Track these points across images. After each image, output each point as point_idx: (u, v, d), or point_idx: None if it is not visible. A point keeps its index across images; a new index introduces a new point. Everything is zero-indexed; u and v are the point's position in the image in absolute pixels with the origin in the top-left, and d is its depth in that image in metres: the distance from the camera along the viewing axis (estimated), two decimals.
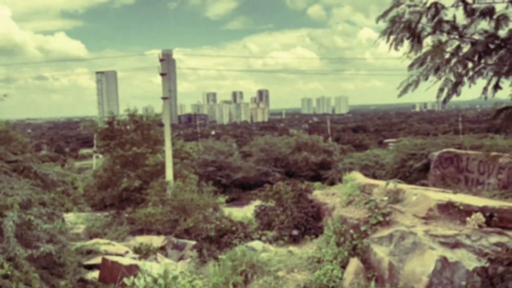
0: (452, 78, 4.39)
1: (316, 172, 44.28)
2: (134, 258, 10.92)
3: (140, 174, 24.98)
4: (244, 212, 26.64)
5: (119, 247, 12.32)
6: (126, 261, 9.24)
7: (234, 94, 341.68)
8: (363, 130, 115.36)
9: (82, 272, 8.90)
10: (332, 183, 34.09)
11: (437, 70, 4.38)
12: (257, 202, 14.01)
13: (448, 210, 8.50)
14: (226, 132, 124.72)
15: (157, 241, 16.04)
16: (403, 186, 9.88)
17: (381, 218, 8.58)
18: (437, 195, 9.09)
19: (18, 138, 11.17)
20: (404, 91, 4.78)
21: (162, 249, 14.54)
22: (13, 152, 9.88)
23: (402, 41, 4.62)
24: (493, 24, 4.22)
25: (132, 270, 8.37)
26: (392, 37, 4.68)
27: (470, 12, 4.31)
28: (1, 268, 5.75)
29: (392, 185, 9.49)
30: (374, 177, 28.21)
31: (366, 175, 26.99)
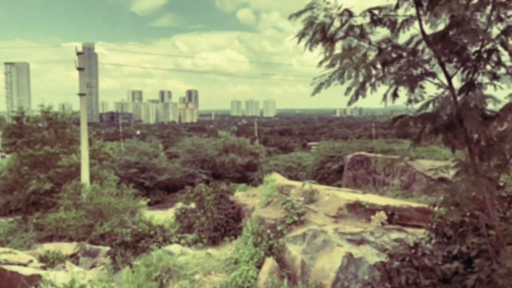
0: (361, 79, 4.68)
1: (242, 174, 44.76)
2: (39, 268, 10.00)
3: (52, 175, 23.07)
4: (167, 215, 25.93)
5: (21, 255, 11.18)
6: (27, 271, 8.43)
7: (162, 93, 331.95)
8: (288, 133, 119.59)
9: None
10: (256, 185, 34.76)
11: (343, 73, 4.64)
12: (181, 205, 13.75)
13: (356, 209, 9.14)
14: (152, 132, 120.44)
15: (68, 248, 14.91)
16: (318, 187, 10.42)
17: (296, 218, 8.93)
18: (347, 195, 9.73)
19: None
20: (317, 89, 4.99)
21: (74, 256, 13.54)
22: None
23: (316, 42, 4.81)
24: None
25: (34, 280, 7.67)
26: (307, 38, 4.86)
27: (376, 22, 4.63)
28: None
29: (307, 186, 9.95)
30: (297, 178, 29.42)
31: (289, 176, 28.09)
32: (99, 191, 20.01)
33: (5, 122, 26.75)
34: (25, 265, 10.40)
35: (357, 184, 13.77)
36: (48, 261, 11.21)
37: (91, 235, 17.72)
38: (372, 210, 9.01)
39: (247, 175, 44.12)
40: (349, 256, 7.39)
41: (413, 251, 5.94)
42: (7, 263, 10.27)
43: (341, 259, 7.28)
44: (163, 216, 24.28)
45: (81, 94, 23.47)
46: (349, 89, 4.79)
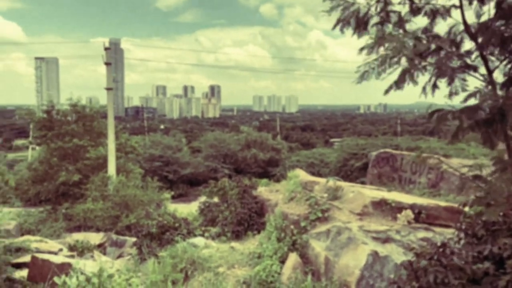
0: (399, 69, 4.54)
1: (264, 169, 44.83)
2: (68, 256, 10.37)
3: (80, 167, 23.78)
4: (190, 209, 26.31)
5: (52, 244, 11.62)
6: (58, 259, 8.74)
7: (185, 88, 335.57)
8: (310, 129, 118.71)
9: (9, 271, 8.28)
10: (278, 180, 34.75)
11: (385, 60, 4.51)
12: (204, 199, 13.93)
13: (381, 207, 9.00)
14: (175, 127, 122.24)
15: (95, 238, 15.36)
16: (342, 183, 10.31)
17: (320, 214, 8.89)
18: (372, 193, 9.59)
19: None
20: (362, 77, 4.89)
21: (101, 246, 13.95)
22: None
23: (349, 23, 4.73)
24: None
25: (64, 268, 7.94)
26: (342, 26, 4.79)
27: (415, 11, 4.52)
28: None
29: (332, 182, 9.86)
30: (319, 174, 29.20)
31: (311, 172, 27.93)
32: (125, 183, 20.48)
33: (36, 115, 27.77)
34: (55, 253, 10.81)
35: (382, 182, 13.54)
36: (77, 250, 11.60)
37: (117, 226, 18.18)
38: (398, 208, 8.85)
39: (269, 170, 44.15)
40: (375, 254, 7.30)
41: (441, 250, 5.83)
42: (39, 251, 10.70)
43: (366, 257, 7.20)
44: (186, 210, 24.68)
45: (108, 89, 24.04)
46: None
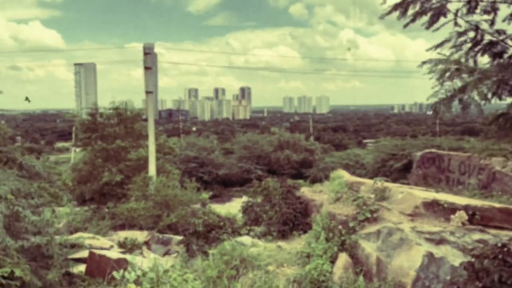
0: None
1: (297, 170, 44.66)
2: (120, 253, 10.79)
3: (122, 168, 24.64)
4: (227, 209, 26.59)
5: (103, 241, 12.13)
6: (113, 255, 9.13)
7: (216, 91, 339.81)
8: (343, 130, 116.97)
9: (69, 265, 8.74)
10: (313, 181, 34.47)
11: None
12: (241, 199, 14.09)
13: (433, 208, 8.78)
14: (207, 129, 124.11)
15: (140, 236, 15.85)
16: (389, 184, 10.15)
17: (368, 215, 8.79)
18: (423, 193, 9.38)
19: (2, 129, 10.81)
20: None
21: (146, 244, 14.39)
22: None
23: (424, 13, 4.65)
24: None
25: (121, 264, 8.28)
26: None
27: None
28: None
29: (379, 183, 9.73)
30: (355, 176, 28.66)
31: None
32: (165, 183, 21.02)
33: (80, 118, 29.08)
34: (107, 249, 11.27)
35: (428, 183, 13.19)
36: (126, 247, 12.04)
37: (159, 225, 18.68)
38: (451, 209, 8.61)
39: (302, 171, 43.93)
40: (430, 255, 7.15)
41: (505, 249, 5.66)
42: (92, 247, 11.19)
43: (422, 258, 7.06)
44: (223, 210, 25.01)
45: (148, 92, 24.81)
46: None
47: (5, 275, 5.55)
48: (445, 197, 9.39)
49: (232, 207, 27.71)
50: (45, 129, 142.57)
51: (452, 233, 7.91)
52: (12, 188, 6.80)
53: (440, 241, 7.74)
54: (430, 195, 9.30)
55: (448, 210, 8.60)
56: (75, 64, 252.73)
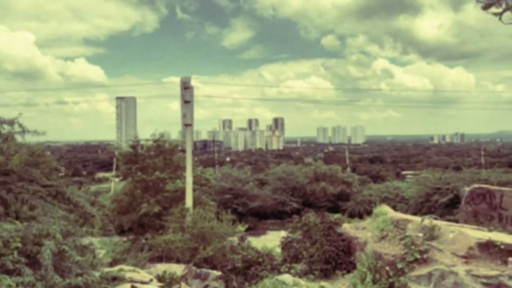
0: None
1: (334, 203, 43.55)
2: (159, 287, 10.74)
3: (160, 199, 25.05)
4: (262, 242, 26.12)
5: (143, 274, 12.13)
6: None
7: (250, 122, 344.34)
8: (380, 161, 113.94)
9: None
10: (351, 215, 33.42)
11: None
12: (276, 232, 13.77)
13: (489, 249, 8.18)
14: (241, 159, 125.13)
15: (177, 269, 15.78)
16: (438, 222, 9.61)
17: (418, 256, 8.30)
18: (476, 233, 8.79)
19: (50, 162, 11.37)
20: None
21: (184, 278, 14.28)
22: (47, 177, 10.03)
23: None
24: None
25: None
26: None
27: None
28: None
29: (427, 221, 9.23)
30: (395, 210, 27.49)
31: None
32: (202, 215, 21.07)
33: (121, 150, 30.18)
34: (147, 283, 11.26)
35: (479, 221, 12.34)
36: (165, 281, 11.99)
37: (196, 258, 18.57)
38: (508, 251, 7.99)
39: (339, 204, 42.81)
40: None
41: None
42: (132, 280, 11.22)
43: None
44: (258, 243, 24.57)
45: (187, 125, 25.50)
46: None
47: None
48: (501, 237, 8.74)
49: (268, 241, 27.17)
50: (87, 160, 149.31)
51: (510, 277, 7.29)
52: (62, 229, 7.02)
53: (498, 286, 7.16)
54: (484, 235, 8.70)
55: (505, 252, 7.99)
56: (117, 98, 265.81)
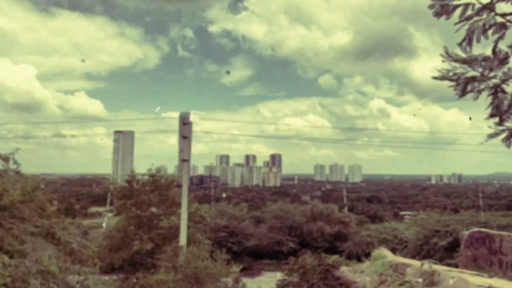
0: None
1: (331, 244, 42.62)
2: None
3: (153, 236, 24.49)
4: (258, 284, 25.28)
5: None
6: None
7: (247, 157, 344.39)
8: (377, 201, 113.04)
9: None
10: (349, 257, 32.68)
11: None
12: (271, 273, 13.31)
13: None
14: (237, 196, 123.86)
15: None
16: (438, 267, 9.38)
17: None
18: (476, 280, 8.54)
19: (42, 201, 11.15)
20: None
21: None
22: (39, 214, 9.85)
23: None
24: None
25: None
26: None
27: None
28: None
29: (427, 265, 9.01)
30: (394, 252, 26.91)
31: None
32: (196, 254, 20.49)
33: (116, 184, 29.89)
34: None
35: (479, 266, 12.08)
36: None
37: None
38: None
39: (337, 245, 41.89)
40: None
41: None
42: None
43: None
44: (253, 285, 23.78)
45: (184, 160, 25.39)
46: None
47: None
48: (501, 283, 8.51)
49: (263, 283, 26.32)
50: (81, 194, 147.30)
51: None
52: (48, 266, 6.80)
53: None
54: (485, 281, 8.45)
55: None
56: (115, 132, 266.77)
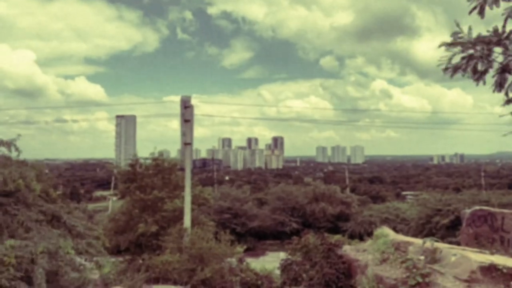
0: None
1: (334, 224, 43.12)
2: None
3: (158, 219, 24.75)
4: (261, 264, 25.64)
5: None
6: None
7: (249, 140, 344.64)
8: (379, 181, 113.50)
9: None
10: (352, 236, 33.02)
11: None
12: (275, 253, 13.55)
13: (491, 273, 8.05)
14: (240, 178, 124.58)
15: None
16: (440, 245, 9.48)
17: (420, 279, 8.15)
18: (478, 257, 8.66)
19: (47, 185, 11.25)
20: None
21: None
22: (45, 200, 9.96)
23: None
24: None
25: None
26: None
27: None
28: None
29: (429, 243, 9.10)
30: (396, 231, 27.16)
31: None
32: (200, 235, 20.77)
33: (120, 168, 30.07)
34: None
35: (480, 243, 12.20)
36: None
37: (193, 280, 18.20)
38: (511, 274, 7.86)
39: (339, 225, 42.37)
40: None
41: None
42: None
43: None
44: (257, 265, 24.12)
45: (186, 144, 25.44)
46: None
47: None
48: (503, 260, 8.62)
49: (267, 262, 26.67)
50: (85, 178, 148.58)
51: None
52: (50, 247, 6.92)
53: None
54: (487, 258, 8.57)
55: (507, 276, 7.88)
56: (117, 116, 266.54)
